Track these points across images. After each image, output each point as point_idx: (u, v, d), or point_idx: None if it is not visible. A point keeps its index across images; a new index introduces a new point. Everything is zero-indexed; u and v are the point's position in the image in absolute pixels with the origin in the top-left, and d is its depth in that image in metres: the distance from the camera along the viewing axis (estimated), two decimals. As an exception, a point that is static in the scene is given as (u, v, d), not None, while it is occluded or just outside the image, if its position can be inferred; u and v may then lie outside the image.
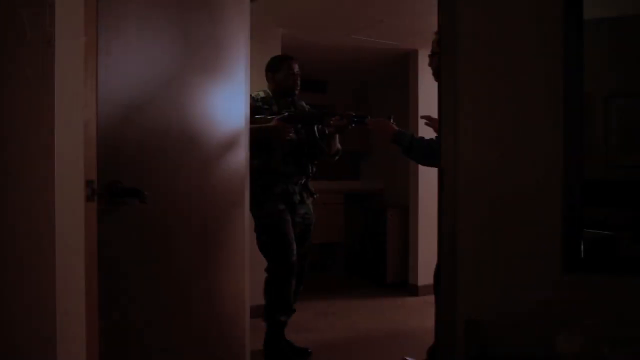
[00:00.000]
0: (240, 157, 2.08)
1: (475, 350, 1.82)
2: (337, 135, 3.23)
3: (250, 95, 3.20)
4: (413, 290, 4.88)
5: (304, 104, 3.45)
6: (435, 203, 2.02)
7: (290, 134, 3.09)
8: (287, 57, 3.41)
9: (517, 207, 1.90)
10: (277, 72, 3.30)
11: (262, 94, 3.26)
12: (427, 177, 4.75)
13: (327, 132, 3.18)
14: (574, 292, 1.84)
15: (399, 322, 3.96)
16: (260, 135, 3.00)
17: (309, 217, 3.32)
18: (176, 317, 1.84)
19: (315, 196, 3.40)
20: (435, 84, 2.03)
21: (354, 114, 3.00)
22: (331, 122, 3.01)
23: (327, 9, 3.92)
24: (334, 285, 5.35)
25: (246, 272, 2.12)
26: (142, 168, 1.72)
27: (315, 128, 3.19)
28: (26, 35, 1.50)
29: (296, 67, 3.33)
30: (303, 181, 3.28)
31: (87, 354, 1.52)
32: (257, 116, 3.06)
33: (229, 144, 2.04)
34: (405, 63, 5.10)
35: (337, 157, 3.37)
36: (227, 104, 2.03)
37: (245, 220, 2.12)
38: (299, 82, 3.33)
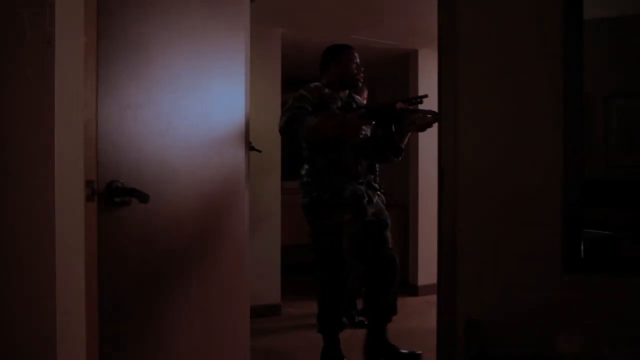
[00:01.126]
0: (240, 157, 2.08)
1: (475, 350, 1.82)
2: (409, 134, 2.95)
3: (309, 87, 2.92)
4: (413, 290, 4.88)
5: (359, 97, 3.18)
6: (435, 202, 2.02)
7: (363, 132, 2.83)
8: (346, 45, 3.07)
9: (517, 207, 1.90)
10: (338, 61, 2.97)
11: (322, 87, 2.95)
12: (427, 177, 4.75)
13: (396, 129, 2.87)
14: (574, 292, 1.84)
15: (398, 322, 3.94)
16: (331, 133, 2.79)
17: (382, 213, 3.00)
18: (176, 317, 1.84)
19: (379, 192, 3.09)
20: (435, 84, 2.03)
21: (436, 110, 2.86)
22: (416, 119, 2.70)
23: (327, 9, 3.92)
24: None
25: (246, 272, 2.12)
26: (142, 168, 1.72)
27: (393, 126, 2.84)
28: (26, 35, 1.50)
29: (357, 57, 3.00)
30: (367, 180, 3.03)
31: (87, 354, 1.52)
32: (323, 112, 2.83)
33: (229, 144, 2.04)
34: (405, 63, 5.10)
35: (400, 158, 3.09)
36: (226, 104, 2.03)
37: (245, 220, 2.11)
38: (362, 73, 3.03)
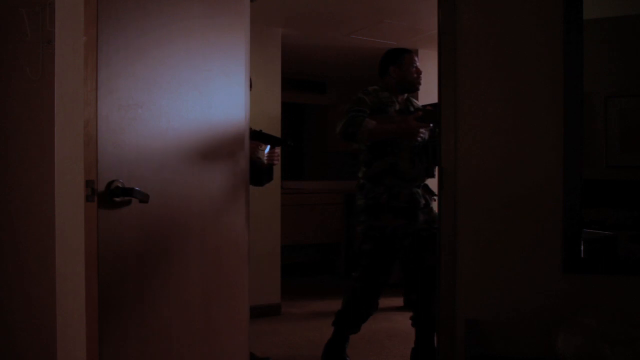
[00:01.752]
0: (240, 157, 2.08)
1: (475, 350, 1.82)
2: None
3: (367, 90, 2.97)
4: (413, 290, 4.87)
5: (416, 101, 3.21)
6: (436, 203, 2.03)
7: (421, 135, 2.86)
8: (406, 49, 3.10)
9: (517, 207, 1.90)
10: (400, 65, 2.99)
11: (379, 90, 2.99)
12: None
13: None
14: (574, 292, 1.84)
15: (399, 322, 3.95)
16: (388, 136, 2.83)
17: (434, 221, 2.88)
18: (176, 317, 1.84)
19: (435, 197, 2.98)
20: (435, 84, 2.03)
21: None
22: None
23: (327, 9, 3.92)
24: (334, 286, 5.35)
25: (246, 271, 2.12)
26: (142, 168, 1.72)
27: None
28: (26, 35, 1.50)
29: (417, 61, 3.04)
30: (425, 184, 3.01)
31: (87, 354, 1.52)
32: (381, 115, 2.85)
33: (229, 144, 2.04)
34: (405, 63, 5.09)
35: None
36: (226, 104, 2.03)
37: (246, 220, 2.12)
38: (421, 77, 3.05)
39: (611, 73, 2.01)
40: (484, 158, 1.94)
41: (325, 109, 6.41)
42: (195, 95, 1.89)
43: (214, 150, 1.97)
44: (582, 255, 1.83)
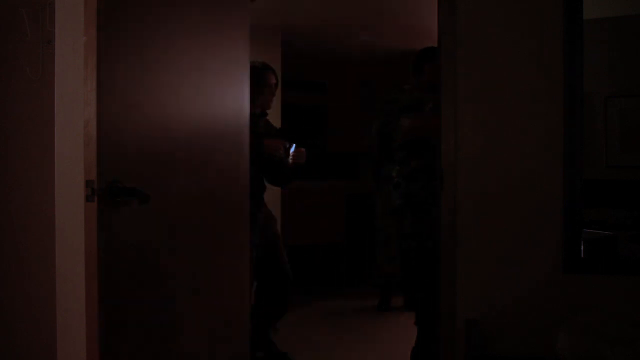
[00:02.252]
0: (240, 156, 2.08)
1: (475, 350, 1.83)
2: None
3: (402, 89, 2.97)
4: (413, 290, 4.87)
5: None
6: (435, 203, 2.03)
7: None
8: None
9: (517, 207, 1.90)
10: (433, 64, 2.91)
11: (414, 89, 2.99)
12: (427, 177, 4.74)
13: None
14: (574, 292, 1.84)
15: (399, 322, 3.96)
16: (424, 133, 2.80)
17: None
18: (176, 317, 1.84)
19: None
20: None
21: None
22: None
23: (327, 9, 3.92)
24: (335, 286, 5.36)
25: (247, 271, 2.13)
26: (142, 168, 1.72)
27: None
28: (26, 35, 1.51)
29: None
30: None
31: (87, 354, 1.52)
32: (415, 113, 2.84)
33: (229, 144, 2.04)
34: (405, 63, 5.10)
35: None
36: (226, 104, 2.03)
37: (246, 220, 2.12)
38: None
39: (611, 73, 2.02)
40: (484, 158, 1.94)
41: (325, 109, 6.41)
42: (195, 95, 1.89)
43: (214, 150, 1.97)
44: (582, 255, 1.83)
